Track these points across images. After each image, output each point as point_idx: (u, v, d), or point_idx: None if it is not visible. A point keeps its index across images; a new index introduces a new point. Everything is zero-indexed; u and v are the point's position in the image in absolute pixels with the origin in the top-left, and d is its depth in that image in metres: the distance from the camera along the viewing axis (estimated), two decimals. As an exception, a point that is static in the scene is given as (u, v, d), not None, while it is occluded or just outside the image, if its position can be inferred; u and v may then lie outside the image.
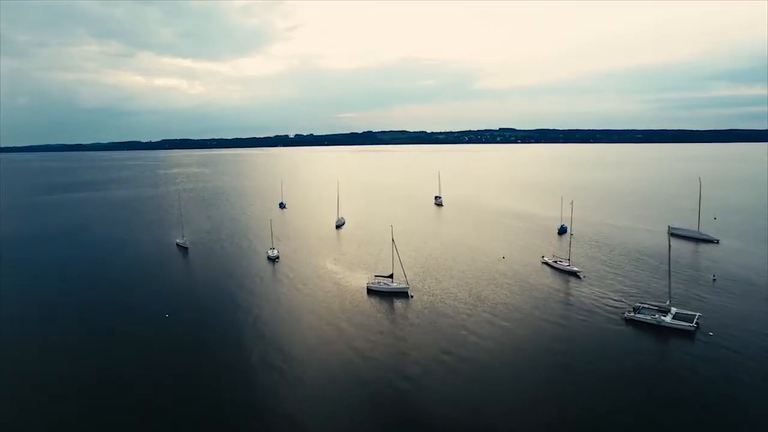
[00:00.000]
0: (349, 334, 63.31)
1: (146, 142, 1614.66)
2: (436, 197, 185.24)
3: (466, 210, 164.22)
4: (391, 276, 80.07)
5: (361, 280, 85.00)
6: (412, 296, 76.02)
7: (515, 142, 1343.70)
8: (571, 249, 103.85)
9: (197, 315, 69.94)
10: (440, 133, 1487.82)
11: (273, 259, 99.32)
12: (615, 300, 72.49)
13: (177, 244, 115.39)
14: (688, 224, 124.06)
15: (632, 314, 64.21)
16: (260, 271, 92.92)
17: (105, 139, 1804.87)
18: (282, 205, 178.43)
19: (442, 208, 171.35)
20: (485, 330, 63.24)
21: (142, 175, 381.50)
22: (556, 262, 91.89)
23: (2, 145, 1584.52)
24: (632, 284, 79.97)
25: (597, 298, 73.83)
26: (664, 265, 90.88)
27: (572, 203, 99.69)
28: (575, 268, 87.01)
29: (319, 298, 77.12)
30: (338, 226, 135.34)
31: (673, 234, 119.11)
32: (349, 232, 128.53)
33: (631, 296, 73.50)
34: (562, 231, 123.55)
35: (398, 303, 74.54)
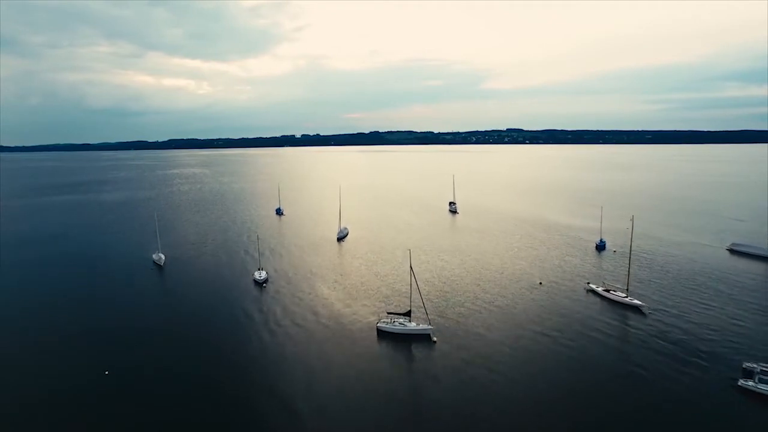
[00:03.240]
0: (352, 398, 46.20)
1: (153, 142, 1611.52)
2: (450, 203, 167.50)
3: (483, 218, 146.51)
4: (408, 314, 62.78)
5: (367, 315, 67.79)
6: (434, 340, 58.77)
7: (523, 142, 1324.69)
8: (618, 271, 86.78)
9: (148, 370, 52.78)
10: (447, 134, 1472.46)
11: (260, 283, 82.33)
12: (703, 352, 54.66)
13: (153, 261, 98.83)
14: (751, 239, 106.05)
15: (750, 383, 46.10)
16: (243, 299, 75.82)
17: (113, 139, 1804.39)
18: (279, 212, 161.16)
19: (457, 215, 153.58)
20: (532, 399, 45.83)
21: (140, 176, 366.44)
22: (608, 291, 74.04)
23: (11, 145, 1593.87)
24: (718, 326, 61.95)
25: (678, 347, 56.01)
26: (742, 296, 73.42)
27: (632, 219, 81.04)
28: (636, 301, 69.12)
29: (313, 342, 59.92)
30: (340, 239, 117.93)
31: (736, 251, 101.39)
32: (352, 247, 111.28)
33: (726, 347, 55.66)
34: (600, 247, 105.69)
35: (418, 350, 57.26)
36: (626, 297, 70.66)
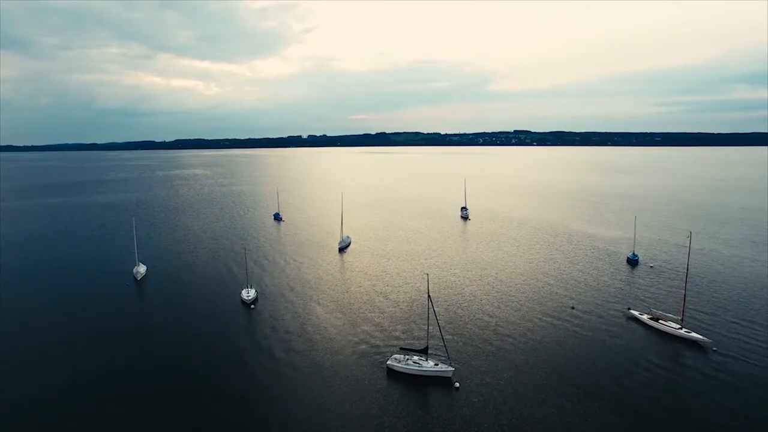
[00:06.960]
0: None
1: (160, 142, 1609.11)
2: (462, 209, 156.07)
3: (497, 225, 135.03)
4: (425, 350, 51.63)
5: (371, 347, 56.76)
6: (457, 386, 47.62)
7: (530, 144, 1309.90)
8: (659, 292, 75.33)
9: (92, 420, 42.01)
10: (454, 135, 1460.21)
11: (248, 304, 71.50)
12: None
13: (132, 274, 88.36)
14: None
15: None
16: (226, 325, 64.94)
17: (121, 139, 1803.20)
18: (277, 217, 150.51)
19: (469, 222, 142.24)
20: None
21: (139, 177, 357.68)
22: (656, 320, 62.52)
23: (22, 144, 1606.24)
24: (800, 370, 50.37)
25: (761, 401, 44.57)
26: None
27: (689, 236, 69.20)
28: (695, 335, 57.55)
29: (308, 381, 48.88)
30: (342, 249, 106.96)
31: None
32: (356, 259, 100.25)
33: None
34: (633, 261, 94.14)
35: (436, 399, 46.07)
36: (681, 328, 59.10)
